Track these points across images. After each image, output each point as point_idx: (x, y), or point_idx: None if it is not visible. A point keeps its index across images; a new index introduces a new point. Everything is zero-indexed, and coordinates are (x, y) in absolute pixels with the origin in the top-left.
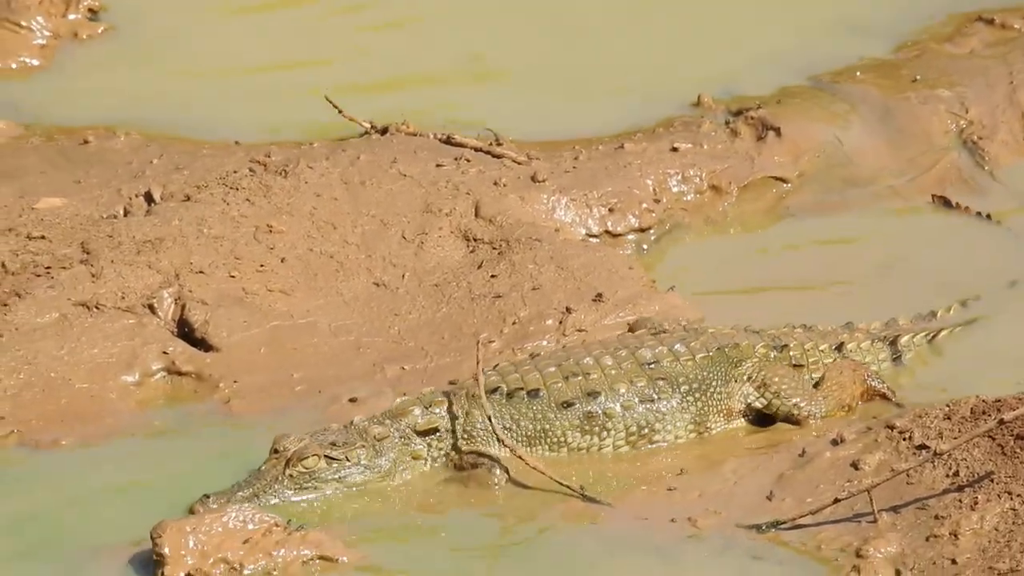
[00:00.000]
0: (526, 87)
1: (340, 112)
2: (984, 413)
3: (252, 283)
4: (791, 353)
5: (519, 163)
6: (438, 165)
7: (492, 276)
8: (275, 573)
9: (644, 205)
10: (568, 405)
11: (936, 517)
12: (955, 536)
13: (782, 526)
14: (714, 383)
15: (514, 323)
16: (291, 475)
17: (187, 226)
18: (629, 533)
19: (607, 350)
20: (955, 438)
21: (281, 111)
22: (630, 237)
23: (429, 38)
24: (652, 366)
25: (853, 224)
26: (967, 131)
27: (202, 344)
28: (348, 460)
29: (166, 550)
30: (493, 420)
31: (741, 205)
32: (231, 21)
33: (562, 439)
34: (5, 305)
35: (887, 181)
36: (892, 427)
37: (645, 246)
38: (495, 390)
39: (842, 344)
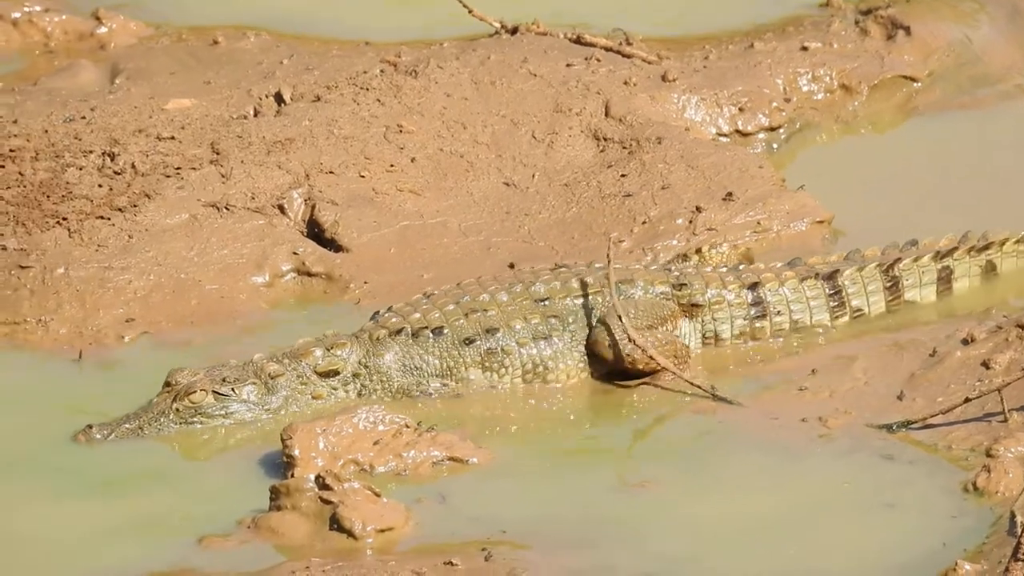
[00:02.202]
0: None
1: (470, 11)
2: None
3: (382, 183)
4: (689, 292)
5: (649, 62)
6: (568, 65)
7: (622, 175)
8: (405, 473)
9: (774, 104)
10: (470, 342)
11: None
12: None
13: (912, 426)
14: (610, 317)
15: (644, 223)
16: (177, 409)
17: (317, 127)
18: (759, 432)
19: (502, 286)
20: None
21: (411, 11)
22: (760, 136)
23: None
24: (545, 303)
25: (984, 123)
26: None
27: (332, 244)
28: (236, 396)
29: (296, 452)
30: (624, 320)
31: (871, 104)
32: None
33: (464, 376)
34: (135, 206)
35: (1016, 80)
36: (1023, 326)
37: (775, 145)
38: (399, 331)
39: (756, 284)
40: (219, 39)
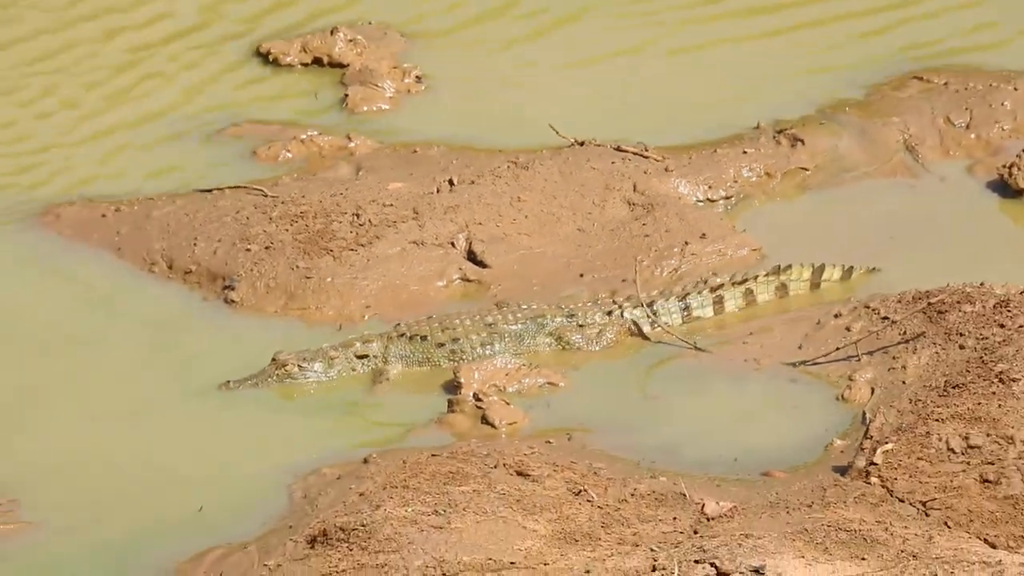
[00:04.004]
0: (662, 119)
1: (558, 133)
2: (919, 299)
3: (509, 230)
4: (574, 317)
5: (658, 160)
6: (612, 162)
7: (643, 224)
8: (522, 392)
9: (728, 183)
10: (441, 345)
11: (894, 357)
12: (904, 368)
13: (807, 364)
14: (526, 336)
15: (655, 251)
16: (277, 374)
17: (472, 198)
18: (720, 367)
19: (468, 315)
20: (904, 311)
21: (525, 134)
22: (720, 202)
23: (606, 86)
24: (491, 325)
25: (845, 194)
26: (909, 141)
27: (481, 264)
28: (309, 368)
29: (463, 379)
30: (649, 309)
31: (783, 184)
32: (502, 82)
33: (438, 363)
34: (371, 243)
35: (864, 169)
36: (868, 306)
37: (729, 207)
38: (402, 335)
39: (611, 311)
40: (417, 149)
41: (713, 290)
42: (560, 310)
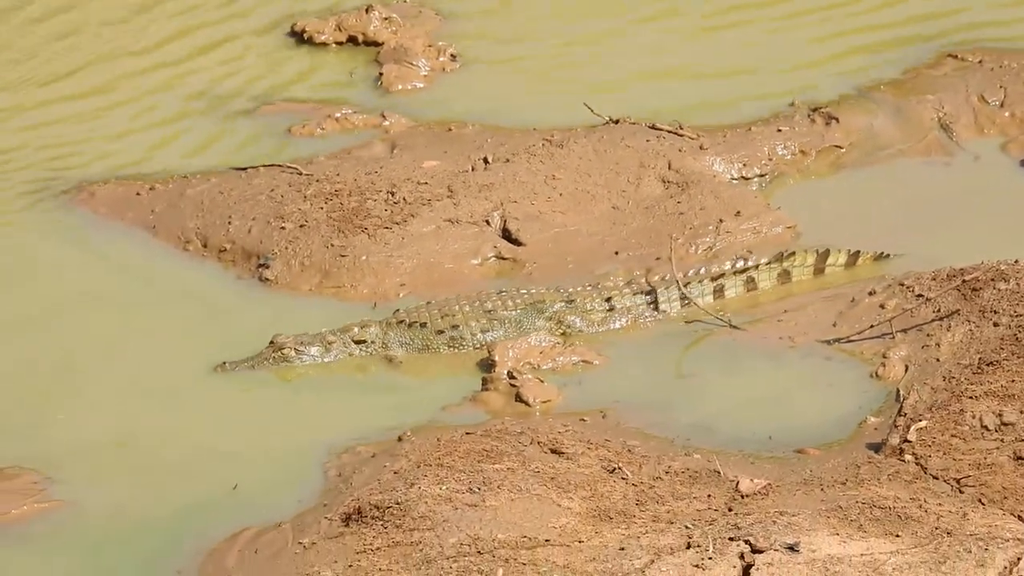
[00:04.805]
0: (697, 98)
1: (592, 111)
2: (953, 276)
3: (544, 208)
4: (575, 302)
5: (692, 138)
6: (647, 140)
7: (678, 202)
8: (556, 370)
9: (763, 162)
10: (440, 332)
11: (928, 335)
12: (938, 346)
13: (841, 341)
14: (525, 321)
15: (690, 228)
16: (274, 357)
17: (507, 176)
18: (755, 345)
19: (467, 301)
20: (938, 289)
21: (560, 111)
22: (755, 180)
23: (641, 64)
24: (490, 312)
25: (879, 172)
26: (943, 119)
27: (516, 242)
28: (306, 352)
29: (497, 357)
30: (683, 289)
31: (817, 162)
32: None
33: (437, 349)
34: (405, 221)
35: (898, 147)
36: (902, 284)
37: (763, 185)
38: (400, 322)
39: (610, 297)
40: (451, 127)
41: (714, 279)
42: (559, 295)
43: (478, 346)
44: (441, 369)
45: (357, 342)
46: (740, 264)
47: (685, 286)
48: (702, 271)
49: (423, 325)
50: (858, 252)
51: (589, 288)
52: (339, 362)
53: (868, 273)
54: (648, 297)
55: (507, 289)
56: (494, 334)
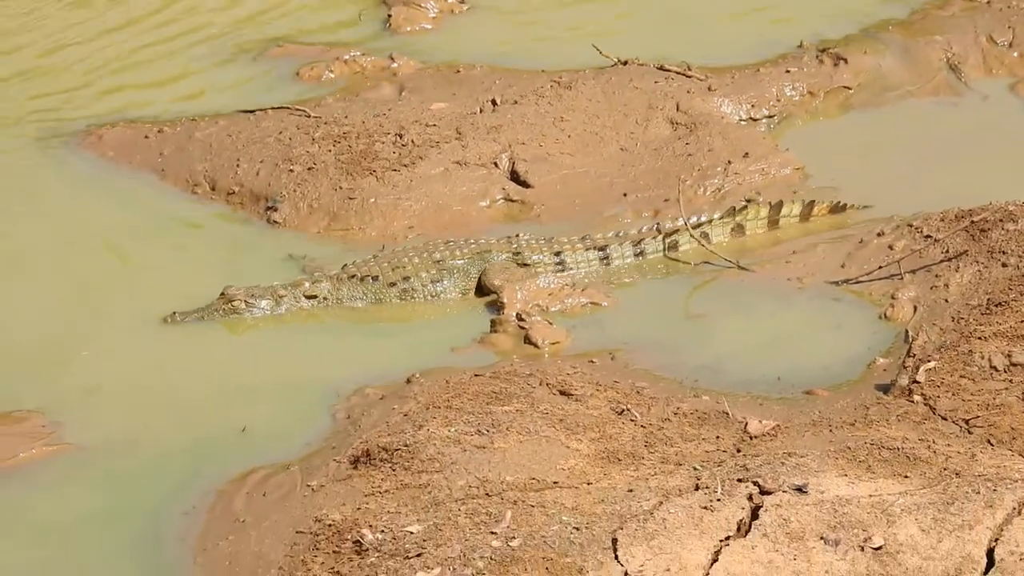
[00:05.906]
0: (707, 36)
1: (601, 53)
2: (961, 217)
3: (552, 149)
4: (521, 254)
5: (701, 80)
6: (655, 81)
7: (686, 144)
8: (565, 312)
9: (771, 103)
10: (392, 284)
11: (936, 276)
12: (947, 286)
13: (850, 282)
14: (472, 270)
15: (698, 170)
16: (224, 308)
17: (515, 118)
18: (763, 286)
19: (416, 252)
20: (946, 230)
21: (568, 54)
22: (763, 121)
23: (649, 5)
24: (439, 262)
25: (888, 114)
26: (951, 60)
27: (524, 184)
28: (256, 305)
29: (505, 299)
30: (694, 235)
31: (825, 103)
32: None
33: (390, 302)
34: (414, 164)
35: (907, 88)
36: (911, 225)
37: (772, 126)
38: (352, 276)
39: (560, 251)
40: (460, 69)
41: (668, 235)
42: (508, 245)
43: (429, 297)
44: (454, 309)
45: (308, 297)
46: (694, 220)
47: (639, 242)
48: (655, 228)
49: (375, 279)
50: (812, 203)
51: (541, 241)
52: (359, 306)
53: (823, 226)
54: (600, 253)
55: (453, 239)
56: (443, 284)
